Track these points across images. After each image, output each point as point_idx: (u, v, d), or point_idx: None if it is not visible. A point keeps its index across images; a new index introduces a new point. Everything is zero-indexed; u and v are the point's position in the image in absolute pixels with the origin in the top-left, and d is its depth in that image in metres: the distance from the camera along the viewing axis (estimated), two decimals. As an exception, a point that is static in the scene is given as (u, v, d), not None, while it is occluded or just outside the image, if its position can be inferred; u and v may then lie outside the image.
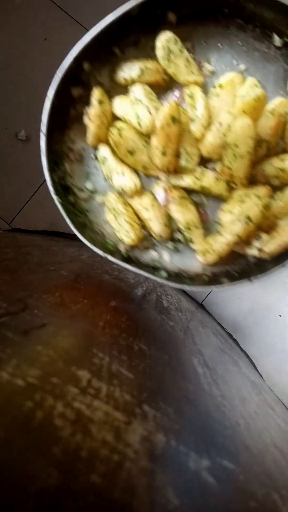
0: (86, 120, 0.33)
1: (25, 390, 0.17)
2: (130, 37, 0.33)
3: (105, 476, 0.15)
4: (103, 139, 0.34)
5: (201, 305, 0.85)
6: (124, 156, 0.33)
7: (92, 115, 0.32)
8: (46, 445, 0.15)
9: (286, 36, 0.30)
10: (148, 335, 0.34)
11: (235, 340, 0.84)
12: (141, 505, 0.14)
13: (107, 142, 0.34)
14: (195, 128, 0.31)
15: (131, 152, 0.32)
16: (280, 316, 0.84)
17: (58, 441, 0.15)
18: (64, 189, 0.34)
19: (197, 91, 0.32)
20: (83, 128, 0.34)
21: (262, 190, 0.31)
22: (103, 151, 0.34)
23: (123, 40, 0.32)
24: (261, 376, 0.82)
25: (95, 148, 0.34)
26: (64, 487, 0.13)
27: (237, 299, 0.85)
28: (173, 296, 0.66)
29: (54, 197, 0.33)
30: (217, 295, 0.85)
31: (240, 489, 0.19)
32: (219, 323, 0.84)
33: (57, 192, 0.33)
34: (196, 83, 0.33)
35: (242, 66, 0.33)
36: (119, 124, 0.32)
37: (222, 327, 0.84)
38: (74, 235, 0.88)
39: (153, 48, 0.32)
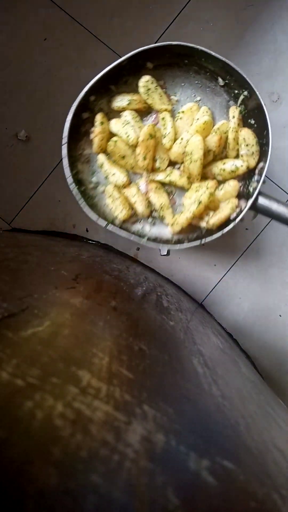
0: (92, 135, 0.48)
1: (25, 390, 0.17)
2: (122, 78, 0.47)
3: (105, 476, 0.15)
4: (104, 148, 0.49)
5: (201, 305, 0.85)
6: (118, 160, 0.48)
7: (96, 132, 0.47)
8: (46, 445, 0.15)
9: (226, 79, 0.45)
10: (148, 335, 0.34)
11: (235, 340, 0.84)
12: (141, 505, 0.14)
13: (106, 150, 0.49)
14: (166, 141, 0.47)
15: (122, 157, 0.47)
16: (280, 316, 0.84)
17: (58, 441, 0.15)
18: (78, 182, 0.48)
19: (167, 116, 0.47)
20: (90, 140, 0.49)
21: (210, 183, 0.46)
22: (101, 158, 0.49)
23: (117, 80, 0.47)
24: (261, 376, 0.82)
25: (98, 154, 0.50)
26: (64, 487, 0.13)
27: (237, 299, 0.85)
28: (173, 296, 0.66)
29: (72, 187, 0.46)
30: (217, 295, 0.85)
31: (240, 489, 0.19)
32: (219, 323, 0.84)
33: (75, 183, 0.46)
34: (166, 110, 0.48)
35: (198, 98, 0.48)
36: (114, 138, 0.47)
37: (222, 327, 0.84)
38: (74, 235, 0.88)
39: (137, 85, 0.47)
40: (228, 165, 0.46)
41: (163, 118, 0.47)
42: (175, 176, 0.47)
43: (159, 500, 0.15)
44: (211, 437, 0.22)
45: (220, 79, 0.46)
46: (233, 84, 0.45)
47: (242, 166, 0.45)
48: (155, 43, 0.50)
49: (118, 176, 0.47)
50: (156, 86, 0.46)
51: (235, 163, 0.45)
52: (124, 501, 0.14)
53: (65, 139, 0.44)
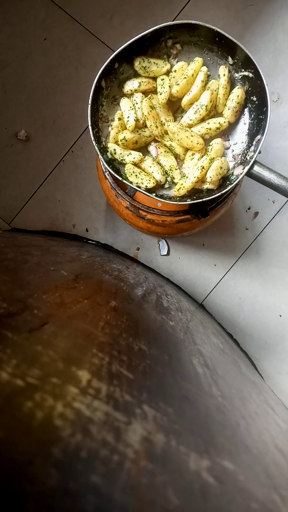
0: (109, 128, 0.55)
1: (25, 390, 0.17)
2: (144, 50, 0.54)
3: (105, 476, 0.15)
4: (117, 139, 0.55)
5: (201, 305, 0.85)
6: (132, 147, 0.54)
7: (113, 125, 0.54)
8: (46, 445, 0.15)
9: (234, 58, 0.52)
10: (148, 335, 0.34)
11: (235, 340, 0.84)
12: (141, 505, 0.14)
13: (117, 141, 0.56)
14: (162, 98, 0.53)
15: (135, 142, 0.54)
16: (280, 316, 0.84)
17: (58, 441, 0.15)
18: (98, 140, 0.54)
19: (166, 78, 0.54)
20: (108, 103, 0.56)
21: (202, 149, 0.54)
22: (111, 147, 0.54)
23: (139, 52, 0.54)
24: (261, 376, 0.82)
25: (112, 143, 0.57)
26: (64, 487, 0.13)
27: (237, 299, 0.85)
28: (173, 296, 0.66)
29: (94, 143, 0.52)
30: (217, 295, 0.85)
31: (240, 489, 0.19)
32: (219, 323, 0.84)
33: (96, 141, 0.52)
34: (165, 73, 0.55)
35: (208, 72, 0.55)
36: (121, 136, 0.53)
37: (222, 327, 0.84)
38: (74, 235, 0.87)
39: (158, 55, 0.55)
40: (212, 123, 0.53)
41: (162, 79, 0.54)
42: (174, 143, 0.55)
43: (159, 500, 0.15)
44: (211, 437, 0.22)
45: (229, 58, 0.53)
46: (241, 64, 0.52)
47: (224, 122, 0.53)
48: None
49: (134, 154, 0.54)
50: (149, 60, 0.54)
51: (218, 120, 0.53)
52: (124, 501, 0.14)
53: (90, 100, 0.52)
